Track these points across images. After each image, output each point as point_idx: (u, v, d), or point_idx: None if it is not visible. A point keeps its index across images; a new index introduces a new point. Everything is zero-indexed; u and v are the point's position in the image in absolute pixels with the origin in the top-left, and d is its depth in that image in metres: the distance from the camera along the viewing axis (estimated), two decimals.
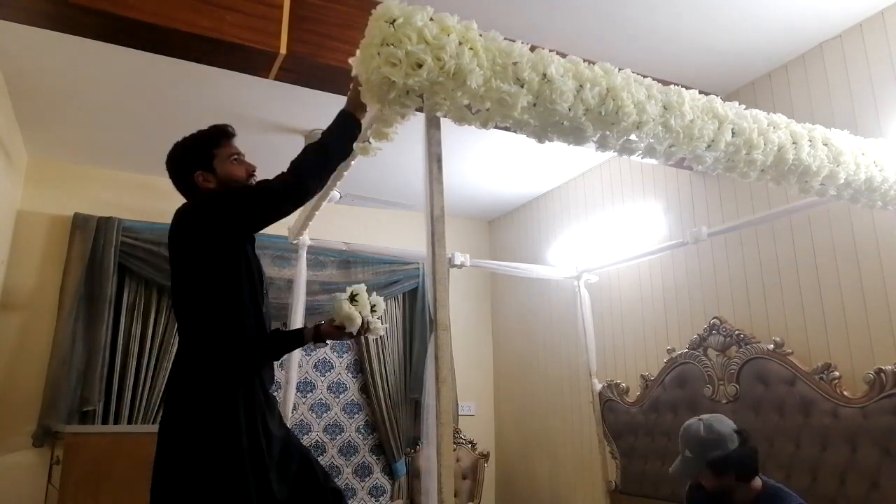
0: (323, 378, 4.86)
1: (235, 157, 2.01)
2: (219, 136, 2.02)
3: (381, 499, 4.84)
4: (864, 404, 2.58)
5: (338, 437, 4.81)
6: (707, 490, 2.22)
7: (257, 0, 2.33)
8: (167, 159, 2.04)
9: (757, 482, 2.18)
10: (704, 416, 2.27)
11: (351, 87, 1.81)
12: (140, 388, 4.06)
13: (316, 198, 2.55)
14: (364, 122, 1.87)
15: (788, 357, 2.92)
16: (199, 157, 1.98)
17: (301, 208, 2.41)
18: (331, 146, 1.82)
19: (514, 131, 1.79)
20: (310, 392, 4.79)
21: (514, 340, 5.29)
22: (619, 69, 1.84)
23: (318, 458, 4.55)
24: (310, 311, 4.32)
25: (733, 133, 1.98)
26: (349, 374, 4.96)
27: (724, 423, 2.22)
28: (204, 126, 2.06)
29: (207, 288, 1.84)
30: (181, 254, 1.89)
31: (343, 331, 2.12)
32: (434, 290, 1.55)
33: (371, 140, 1.88)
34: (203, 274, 1.84)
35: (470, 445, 4.61)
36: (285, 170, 1.79)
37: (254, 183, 1.97)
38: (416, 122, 1.74)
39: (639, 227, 4.04)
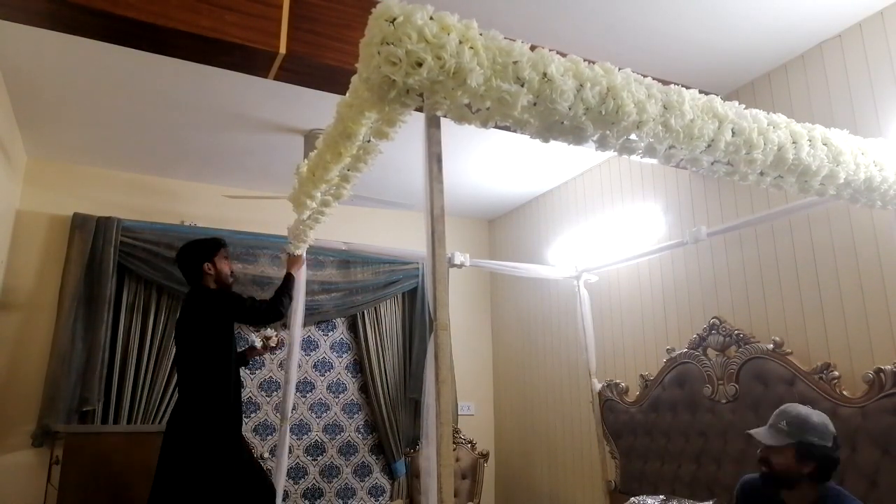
0: (322, 378, 4.86)
1: (226, 258, 3.17)
2: (220, 244, 3.14)
3: (380, 499, 4.84)
4: (864, 404, 2.58)
5: (337, 437, 4.81)
6: (771, 468, 2.16)
7: (257, 0, 2.33)
8: (179, 251, 3.14)
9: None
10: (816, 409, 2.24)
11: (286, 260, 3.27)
12: (139, 388, 4.05)
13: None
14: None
15: (788, 357, 2.92)
16: (208, 253, 3.09)
17: None
18: (289, 292, 3.14)
19: (515, 131, 1.79)
20: (309, 392, 4.79)
21: (513, 340, 5.29)
22: (620, 69, 1.84)
23: (318, 458, 4.74)
24: (309, 310, 4.32)
25: (733, 132, 1.98)
26: (349, 374, 4.96)
27: (830, 423, 2.18)
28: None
29: (208, 347, 2.98)
30: (194, 323, 3.00)
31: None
32: (434, 289, 1.55)
33: (371, 139, 1.88)
34: (207, 339, 2.98)
35: (470, 445, 4.61)
36: (269, 299, 3.09)
37: (233, 277, 3.22)
38: (416, 122, 1.74)
39: (638, 226, 4.04)
